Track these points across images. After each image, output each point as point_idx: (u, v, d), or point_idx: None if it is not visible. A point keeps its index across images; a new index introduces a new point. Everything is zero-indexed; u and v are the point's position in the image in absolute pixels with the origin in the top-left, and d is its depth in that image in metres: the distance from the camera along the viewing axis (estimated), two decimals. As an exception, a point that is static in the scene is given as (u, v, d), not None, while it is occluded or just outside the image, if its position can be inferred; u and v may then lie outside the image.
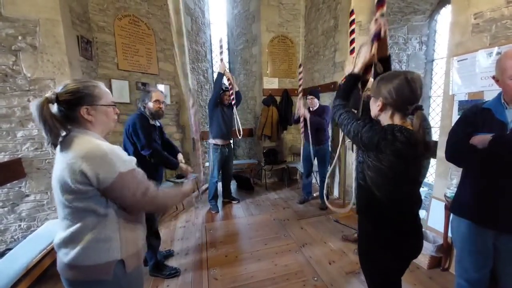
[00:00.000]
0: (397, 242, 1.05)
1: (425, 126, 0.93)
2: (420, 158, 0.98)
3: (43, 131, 0.82)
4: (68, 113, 0.87)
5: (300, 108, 3.17)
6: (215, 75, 5.20)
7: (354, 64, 1.18)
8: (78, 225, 0.85)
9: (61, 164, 0.83)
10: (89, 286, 0.89)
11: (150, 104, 1.92)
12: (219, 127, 3.28)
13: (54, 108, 0.86)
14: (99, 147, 0.84)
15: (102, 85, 0.96)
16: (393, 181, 0.98)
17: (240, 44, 5.05)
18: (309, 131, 3.10)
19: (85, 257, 0.85)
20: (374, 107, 1.04)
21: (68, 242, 0.86)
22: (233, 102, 3.31)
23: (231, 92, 3.26)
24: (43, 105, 0.80)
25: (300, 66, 3.14)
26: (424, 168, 1.04)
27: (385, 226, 1.06)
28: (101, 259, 0.87)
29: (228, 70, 3.26)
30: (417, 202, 1.08)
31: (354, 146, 1.66)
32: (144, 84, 3.40)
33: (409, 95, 0.94)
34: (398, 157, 0.93)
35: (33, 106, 0.81)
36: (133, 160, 0.93)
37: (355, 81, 1.17)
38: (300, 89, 3.17)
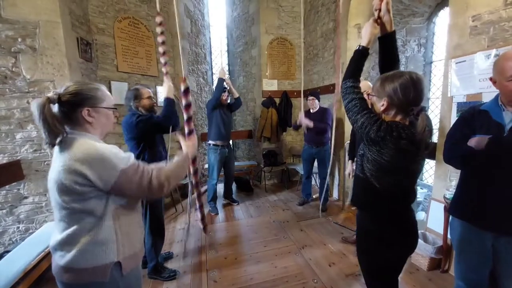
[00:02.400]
0: (394, 235, 1.07)
1: (429, 128, 0.95)
2: (419, 156, 1.00)
3: (41, 131, 0.82)
4: (69, 114, 0.88)
5: (302, 119, 3.12)
6: (214, 77, 5.27)
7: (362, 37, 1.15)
8: (74, 227, 0.85)
9: (59, 165, 0.83)
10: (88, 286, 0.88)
11: (145, 101, 1.96)
12: (218, 128, 3.29)
13: (55, 108, 0.86)
14: (98, 148, 0.84)
15: (104, 88, 0.97)
16: (393, 174, 1.00)
17: (240, 46, 5.07)
18: (309, 135, 3.09)
19: (81, 260, 0.85)
20: (377, 107, 1.04)
21: (64, 244, 0.85)
22: (228, 100, 3.37)
23: (227, 94, 3.32)
24: (44, 105, 0.80)
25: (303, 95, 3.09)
26: (421, 165, 1.06)
27: (383, 219, 1.07)
28: (97, 262, 0.86)
29: (228, 78, 3.30)
30: (413, 195, 1.10)
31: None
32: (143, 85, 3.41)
33: (414, 96, 0.94)
34: (400, 152, 0.95)
35: (34, 105, 0.80)
36: (131, 155, 0.93)
37: (364, 55, 1.11)
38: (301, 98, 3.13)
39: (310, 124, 3.10)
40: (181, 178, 1.05)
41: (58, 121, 0.84)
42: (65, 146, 0.85)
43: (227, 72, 3.75)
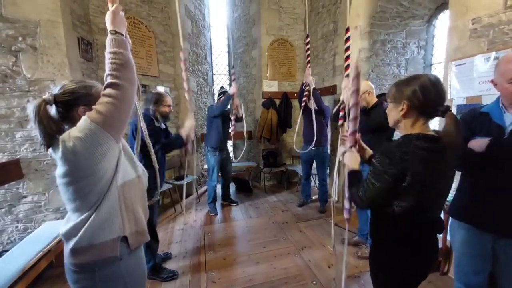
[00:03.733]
0: (413, 260, 0.99)
1: (459, 128, 0.86)
2: (445, 166, 0.92)
3: (37, 132, 0.82)
4: (66, 114, 0.88)
5: (308, 76, 2.94)
6: (215, 78, 5.27)
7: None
8: (86, 213, 0.86)
9: (64, 154, 0.83)
10: (96, 268, 0.89)
11: (164, 109, 2.01)
12: (217, 136, 3.30)
13: (52, 109, 0.87)
14: (77, 132, 0.82)
15: (99, 85, 0.96)
16: (416, 192, 0.91)
17: (240, 47, 5.08)
18: (313, 129, 2.98)
19: (90, 237, 0.87)
20: (394, 113, 0.98)
21: (74, 229, 0.87)
22: (233, 117, 3.13)
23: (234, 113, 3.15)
24: (40, 106, 0.81)
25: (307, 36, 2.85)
26: (450, 178, 0.97)
27: (402, 243, 0.99)
28: (105, 236, 0.88)
29: (238, 99, 3.14)
30: (440, 224, 1.02)
31: None
32: (144, 86, 3.40)
33: (435, 95, 0.90)
34: (423, 164, 0.87)
35: (30, 107, 0.81)
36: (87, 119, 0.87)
37: (357, 175, 1.12)
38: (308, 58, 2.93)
39: (312, 83, 2.94)
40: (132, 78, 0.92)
41: (55, 122, 0.84)
42: (64, 139, 0.84)
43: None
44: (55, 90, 0.88)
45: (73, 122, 0.89)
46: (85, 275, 0.89)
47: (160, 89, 3.58)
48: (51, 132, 0.82)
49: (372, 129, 2.08)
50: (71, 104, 0.88)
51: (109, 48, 0.87)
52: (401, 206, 0.93)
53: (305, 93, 3.02)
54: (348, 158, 1.17)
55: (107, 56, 0.86)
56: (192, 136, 1.91)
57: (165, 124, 2.16)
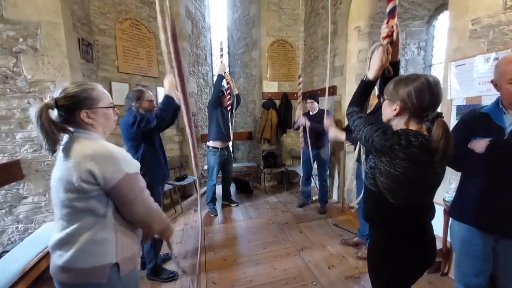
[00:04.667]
0: (413, 252, 1.01)
1: (448, 136, 0.86)
2: (436, 165, 0.93)
3: (40, 137, 0.81)
4: (68, 118, 0.88)
5: (300, 117, 3.16)
6: (215, 78, 5.28)
7: (368, 67, 1.12)
8: (74, 226, 0.85)
9: (65, 163, 0.83)
10: None
11: (146, 104, 1.95)
12: (218, 128, 3.28)
13: (54, 113, 0.86)
14: (105, 146, 0.86)
15: (100, 87, 0.96)
16: (409, 187, 0.94)
17: (240, 48, 5.09)
18: (308, 138, 3.08)
19: (80, 260, 0.84)
20: (389, 111, 0.99)
21: (63, 243, 0.85)
22: (228, 108, 3.31)
23: (228, 97, 3.29)
24: (42, 111, 0.80)
25: (299, 77, 3.14)
26: (440, 175, 0.98)
27: (399, 236, 1.01)
28: (96, 262, 0.86)
29: (228, 72, 3.27)
30: (432, 212, 1.03)
31: (356, 150, 1.65)
32: (144, 87, 3.41)
33: (430, 100, 0.89)
34: (413, 163, 0.89)
35: (32, 112, 0.80)
36: (138, 164, 0.94)
37: (369, 87, 1.11)
38: (300, 98, 3.16)
39: (308, 123, 3.10)
40: (152, 224, 0.99)
41: (57, 127, 0.83)
42: (71, 145, 0.85)
43: (228, 68, 3.65)
44: (57, 93, 0.87)
45: (76, 125, 0.89)
46: None
47: (161, 90, 3.59)
48: (53, 137, 0.82)
49: None
50: (72, 108, 0.87)
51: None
52: (394, 199, 0.96)
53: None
54: (377, 57, 1.07)
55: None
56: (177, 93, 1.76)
57: None
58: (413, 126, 0.95)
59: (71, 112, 0.87)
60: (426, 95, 0.89)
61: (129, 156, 0.92)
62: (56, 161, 0.90)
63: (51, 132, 0.81)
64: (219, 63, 3.28)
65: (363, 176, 1.20)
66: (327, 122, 2.12)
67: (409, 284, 1.11)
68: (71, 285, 0.87)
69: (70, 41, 2.34)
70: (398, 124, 0.98)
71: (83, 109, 0.88)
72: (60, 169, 0.85)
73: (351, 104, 1.13)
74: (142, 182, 0.94)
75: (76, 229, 0.85)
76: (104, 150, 0.85)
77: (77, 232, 0.85)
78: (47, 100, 0.85)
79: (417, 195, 0.96)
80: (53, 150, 0.83)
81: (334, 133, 2.04)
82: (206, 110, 3.83)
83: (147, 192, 0.96)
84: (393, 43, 1.09)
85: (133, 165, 0.90)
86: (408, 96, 0.91)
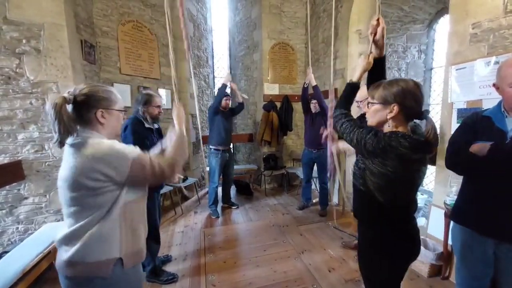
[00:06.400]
0: (399, 246, 1.06)
1: (434, 130, 0.95)
2: (424, 164, 0.99)
3: (55, 129, 0.83)
4: (83, 114, 0.90)
5: (309, 74, 3.06)
6: (216, 80, 5.31)
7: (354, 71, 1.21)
8: (81, 222, 0.86)
9: (72, 163, 0.85)
10: (87, 283, 0.89)
11: (153, 110, 1.95)
12: (218, 134, 3.32)
13: (69, 108, 0.88)
14: (108, 144, 0.89)
15: (116, 91, 1.01)
16: (398, 186, 0.99)
17: (242, 50, 5.11)
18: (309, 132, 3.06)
19: (85, 254, 0.86)
20: (381, 115, 1.01)
21: (70, 238, 0.87)
22: (230, 105, 3.40)
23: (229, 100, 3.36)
24: (61, 104, 0.83)
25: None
26: (424, 173, 1.04)
27: (387, 232, 1.06)
28: (101, 257, 0.88)
29: (234, 83, 3.34)
30: (416, 206, 1.10)
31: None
32: (146, 88, 3.43)
33: (421, 100, 0.96)
34: (404, 163, 0.94)
35: (50, 104, 0.83)
36: (132, 146, 0.96)
37: (354, 89, 1.17)
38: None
39: (313, 81, 3.05)
40: (185, 156, 1.08)
41: (73, 121, 0.87)
42: (78, 145, 0.86)
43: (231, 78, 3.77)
44: (75, 91, 0.90)
45: (87, 123, 0.92)
46: (77, 286, 0.90)
47: (162, 92, 3.61)
48: (70, 130, 0.84)
49: None
50: (90, 105, 0.90)
51: (176, 143, 1.07)
52: (384, 198, 1.01)
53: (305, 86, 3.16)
54: (360, 61, 1.17)
55: (174, 147, 1.06)
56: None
57: (157, 124, 2.09)
58: (401, 128, 0.99)
59: (88, 109, 0.90)
60: (419, 96, 0.96)
61: (125, 145, 0.94)
62: (61, 162, 0.91)
63: (68, 125, 0.83)
64: (220, 67, 3.31)
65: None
66: (334, 146, 2.17)
67: (399, 277, 1.15)
68: (76, 279, 0.89)
69: (73, 42, 2.36)
70: (390, 126, 1.01)
71: (99, 108, 0.92)
72: (67, 169, 0.86)
73: (338, 106, 1.17)
74: (146, 156, 0.96)
75: (82, 225, 0.86)
76: (107, 148, 0.87)
77: (83, 228, 0.86)
78: (65, 94, 0.87)
79: (406, 193, 1.02)
80: (63, 142, 0.86)
81: (342, 145, 2.07)
82: (207, 112, 3.85)
83: (156, 159, 0.97)
84: (377, 38, 1.14)
85: (131, 148, 0.94)
86: (406, 97, 0.95)
